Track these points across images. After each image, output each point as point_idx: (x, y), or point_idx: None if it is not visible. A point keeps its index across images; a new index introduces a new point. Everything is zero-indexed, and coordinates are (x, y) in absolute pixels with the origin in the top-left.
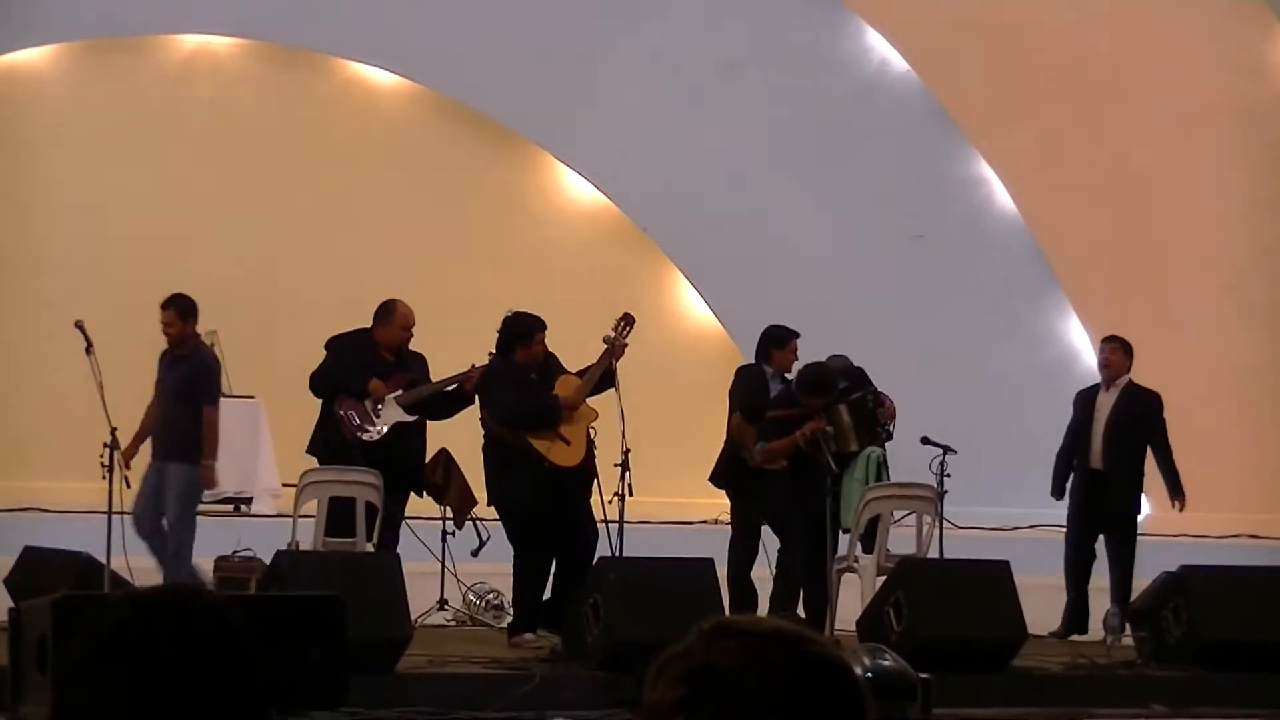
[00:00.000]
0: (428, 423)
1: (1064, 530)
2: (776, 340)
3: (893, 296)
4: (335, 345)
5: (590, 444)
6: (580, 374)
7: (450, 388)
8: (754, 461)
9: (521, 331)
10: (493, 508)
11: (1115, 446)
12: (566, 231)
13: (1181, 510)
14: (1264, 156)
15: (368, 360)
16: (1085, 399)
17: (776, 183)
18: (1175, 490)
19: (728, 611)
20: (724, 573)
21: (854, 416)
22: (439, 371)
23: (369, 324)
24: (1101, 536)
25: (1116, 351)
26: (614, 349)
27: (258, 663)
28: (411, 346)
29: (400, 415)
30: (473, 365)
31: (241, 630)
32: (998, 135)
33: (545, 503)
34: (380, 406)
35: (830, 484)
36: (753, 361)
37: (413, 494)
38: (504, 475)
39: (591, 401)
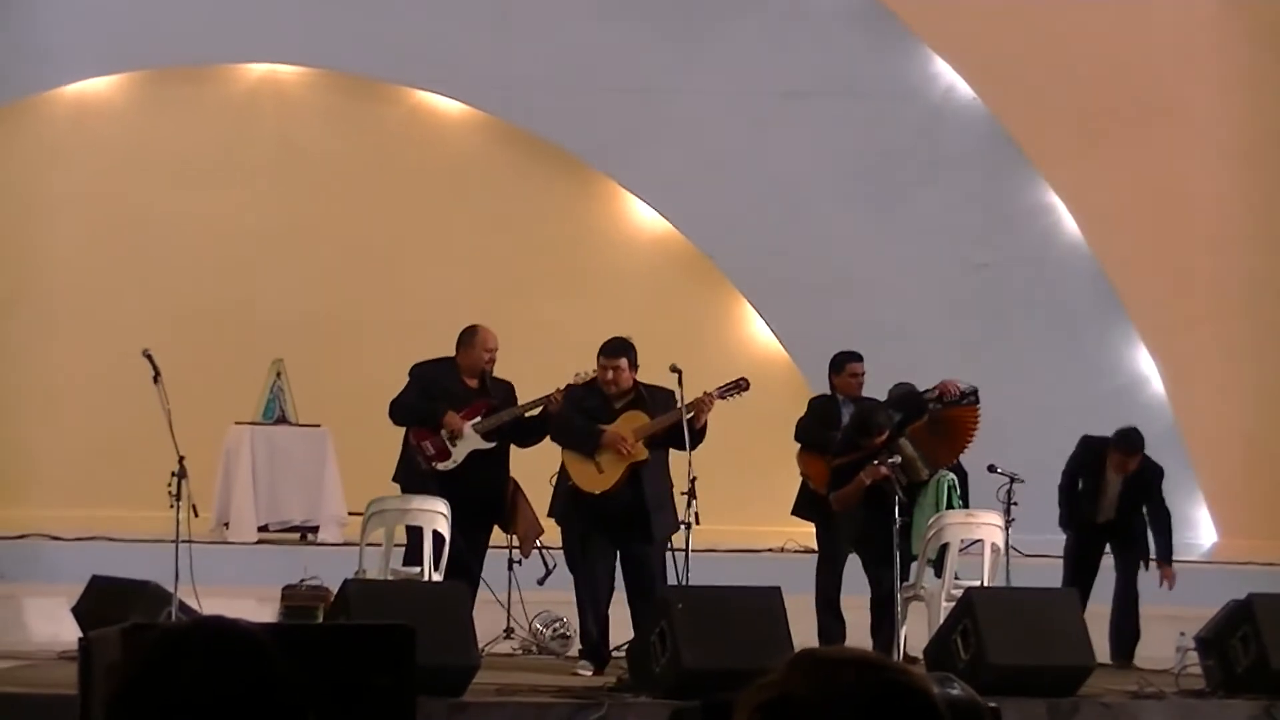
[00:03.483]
0: (510, 451)
1: None
2: (834, 366)
3: (958, 324)
4: (417, 373)
5: (639, 484)
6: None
7: (533, 412)
8: (823, 493)
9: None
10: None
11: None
12: (632, 258)
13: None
14: None
15: (448, 388)
16: (1094, 468)
17: (841, 209)
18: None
19: (794, 638)
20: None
21: (930, 435)
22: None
23: (446, 353)
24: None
25: (1128, 457)
26: (697, 403)
27: (293, 692)
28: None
29: (477, 443)
30: (556, 389)
31: (276, 662)
32: (1064, 163)
33: (577, 524)
34: (457, 436)
35: (899, 512)
36: (825, 391)
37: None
38: (555, 487)
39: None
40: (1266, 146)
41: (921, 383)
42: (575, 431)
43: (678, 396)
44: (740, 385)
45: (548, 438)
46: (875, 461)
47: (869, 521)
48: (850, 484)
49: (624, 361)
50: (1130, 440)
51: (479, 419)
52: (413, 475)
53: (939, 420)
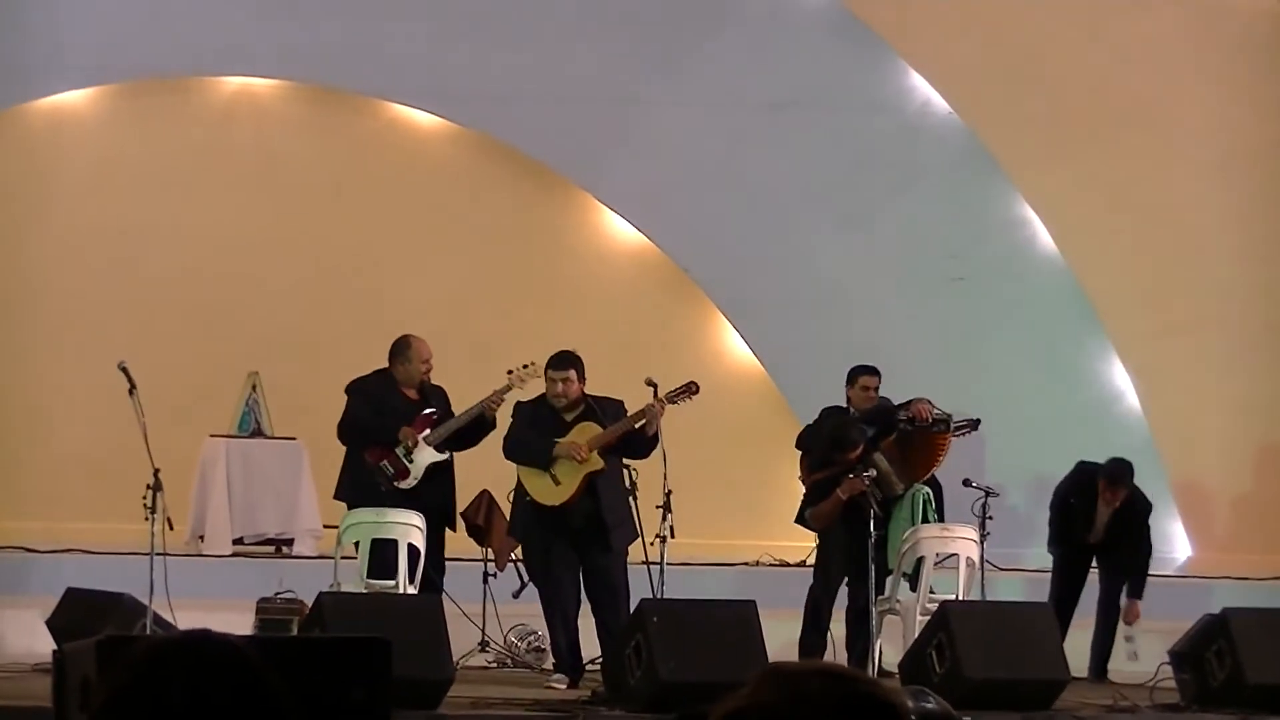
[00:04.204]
0: (455, 457)
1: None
2: (847, 379)
3: (934, 338)
4: (358, 390)
5: (596, 494)
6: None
7: (474, 415)
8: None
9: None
10: None
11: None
12: (608, 271)
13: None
14: None
15: (393, 403)
16: (1086, 497)
17: (818, 223)
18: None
19: (769, 651)
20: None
21: (900, 453)
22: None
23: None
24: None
25: (1116, 491)
26: (648, 412)
27: (281, 709)
28: (452, 384)
29: (433, 456)
30: (494, 391)
31: (263, 676)
32: (1040, 176)
33: (538, 539)
34: (412, 451)
35: (874, 526)
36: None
37: (453, 533)
38: (512, 505)
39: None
40: (1242, 157)
41: (897, 396)
42: (528, 447)
43: (658, 407)
44: (690, 389)
45: (494, 442)
46: (851, 475)
47: (845, 536)
48: (827, 500)
49: (572, 373)
50: (1114, 472)
51: (429, 431)
52: (361, 492)
53: (909, 439)
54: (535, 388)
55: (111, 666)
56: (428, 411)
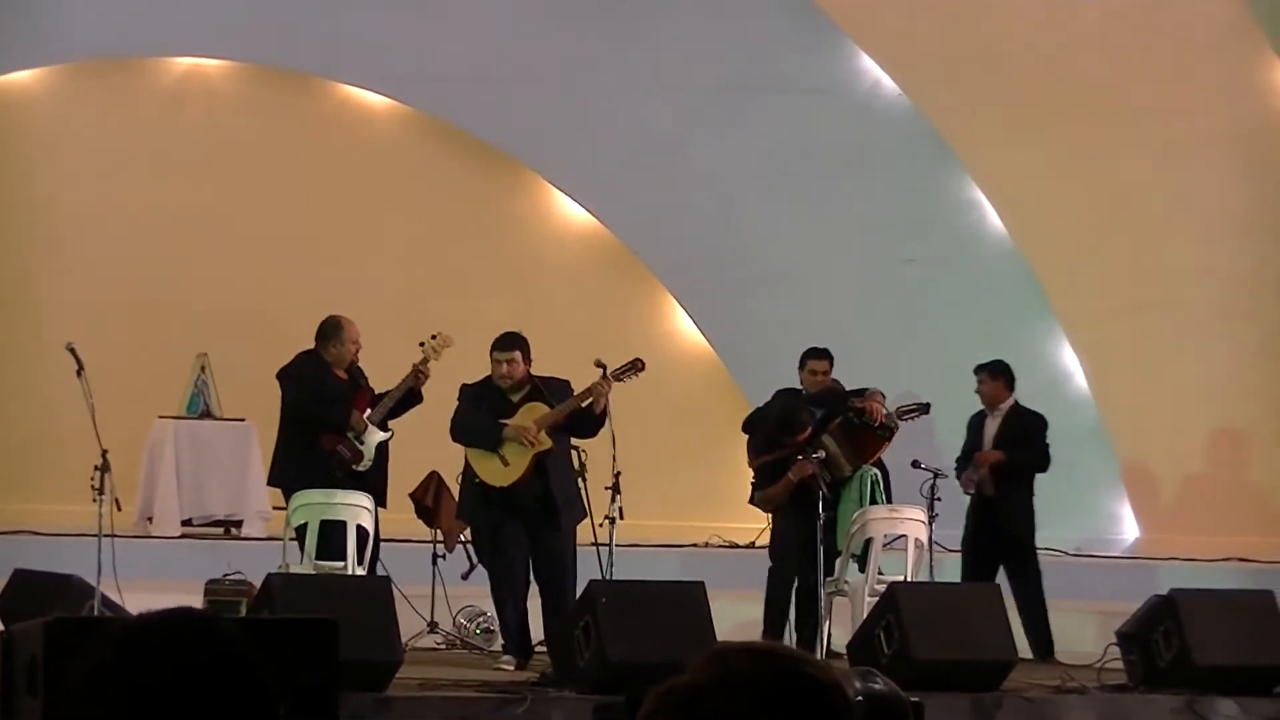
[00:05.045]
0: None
1: (1043, 553)
2: (799, 362)
3: (883, 320)
4: (296, 376)
5: (545, 474)
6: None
7: (407, 388)
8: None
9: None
10: None
11: (1002, 473)
12: (558, 254)
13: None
14: (1259, 181)
15: (328, 385)
16: (975, 424)
17: (767, 205)
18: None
19: (718, 632)
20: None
21: (845, 439)
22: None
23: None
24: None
25: (985, 382)
26: (595, 389)
27: (264, 688)
28: (403, 366)
29: (379, 435)
30: (414, 365)
31: (245, 656)
32: (989, 158)
33: (487, 520)
34: (363, 434)
35: (822, 508)
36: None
37: (402, 516)
38: (461, 487)
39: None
40: (1192, 140)
41: (846, 379)
42: (476, 429)
43: (604, 385)
44: (636, 366)
45: (441, 424)
46: (800, 458)
47: (795, 516)
48: (777, 483)
49: (517, 354)
50: (985, 364)
51: (369, 411)
52: (306, 477)
53: (853, 427)
54: (449, 355)
55: (90, 645)
56: (362, 392)
